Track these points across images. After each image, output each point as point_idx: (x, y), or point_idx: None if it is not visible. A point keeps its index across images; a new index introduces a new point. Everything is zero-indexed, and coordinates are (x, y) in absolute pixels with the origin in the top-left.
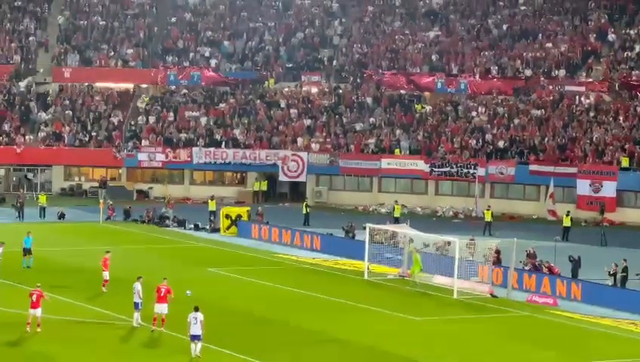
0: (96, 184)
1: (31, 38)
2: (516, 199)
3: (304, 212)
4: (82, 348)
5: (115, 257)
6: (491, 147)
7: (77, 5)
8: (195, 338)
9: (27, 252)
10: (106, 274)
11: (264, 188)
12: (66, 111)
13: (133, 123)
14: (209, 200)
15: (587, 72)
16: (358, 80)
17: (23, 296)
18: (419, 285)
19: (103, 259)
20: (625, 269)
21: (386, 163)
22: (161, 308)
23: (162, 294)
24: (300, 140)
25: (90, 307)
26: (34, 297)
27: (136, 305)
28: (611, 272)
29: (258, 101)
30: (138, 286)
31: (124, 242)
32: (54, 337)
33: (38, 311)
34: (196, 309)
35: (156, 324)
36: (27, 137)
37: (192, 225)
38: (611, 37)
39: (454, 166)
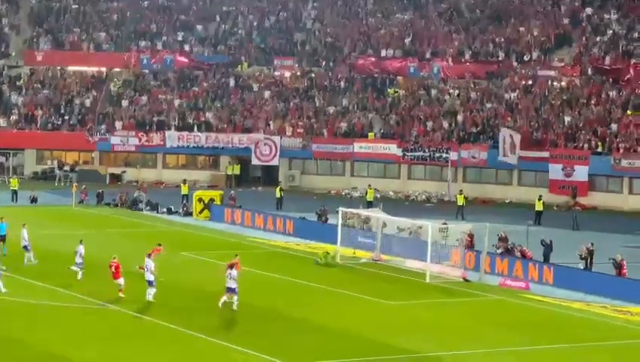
0: (66, 168)
1: (3, 20)
2: (489, 183)
3: (277, 196)
4: (57, 333)
5: (87, 241)
6: (464, 131)
7: None
8: (149, 284)
9: (2, 239)
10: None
11: (237, 172)
12: (38, 95)
13: (105, 106)
14: (182, 184)
15: (568, 51)
16: (331, 63)
17: None
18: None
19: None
20: (591, 253)
21: (358, 147)
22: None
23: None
24: (272, 124)
25: (64, 291)
26: (113, 268)
27: (149, 282)
28: (583, 256)
29: (231, 85)
30: (150, 263)
31: (97, 226)
32: (31, 322)
33: (121, 281)
34: (148, 256)
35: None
36: None
37: (165, 209)
38: (584, 21)
39: (427, 150)
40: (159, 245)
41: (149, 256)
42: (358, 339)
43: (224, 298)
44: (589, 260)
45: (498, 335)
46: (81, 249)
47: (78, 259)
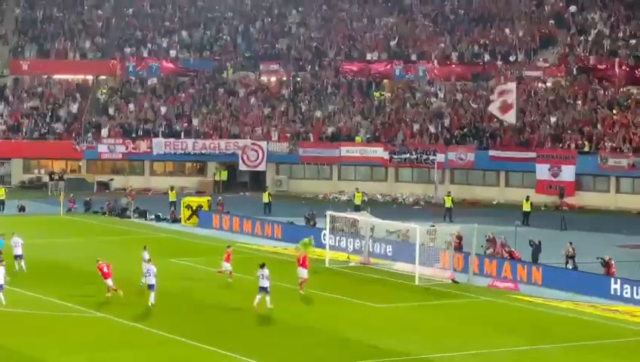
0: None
1: None
2: (476, 185)
3: (266, 201)
4: (46, 341)
5: (77, 249)
6: (450, 133)
7: None
8: (150, 287)
9: None
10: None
11: (224, 177)
12: (25, 104)
13: (92, 114)
14: (169, 191)
15: (552, 51)
16: (317, 68)
17: None
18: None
19: (226, 253)
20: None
21: (345, 151)
22: (302, 273)
23: (301, 261)
24: (259, 129)
25: (53, 300)
26: (105, 268)
27: (151, 286)
28: (569, 255)
29: (217, 91)
30: (152, 268)
31: (86, 234)
32: (19, 330)
33: (110, 281)
34: (149, 260)
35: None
36: None
37: (153, 216)
38: (568, 21)
39: (414, 153)
40: (229, 247)
41: (227, 259)
42: (347, 342)
43: (258, 297)
44: (575, 259)
45: (488, 337)
46: (146, 255)
47: (145, 267)
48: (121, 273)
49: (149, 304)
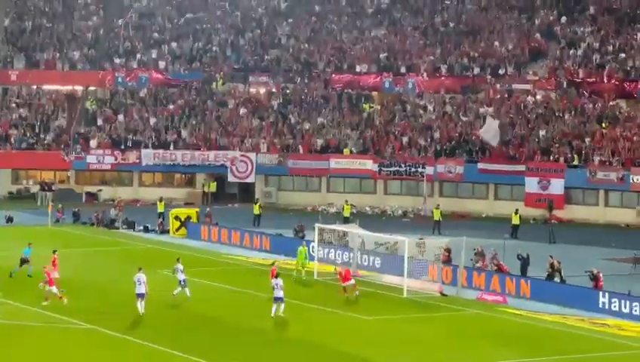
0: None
1: None
2: (465, 198)
3: (256, 213)
4: (33, 352)
5: (64, 260)
6: (439, 146)
7: (22, 7)
8: (140, 296)
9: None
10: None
11: (213, 189)
12: (14, 114)
13: (81, 125)
14: (158, 202)
15: (542, 64)
16: (306, 80)
17: None
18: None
19: (272, 270)
20: (552, 266)
21: (334, 163)
22: (349, 283)
23: (343, 275)
24: (248, 141)
25: (40, 311)
26: (56, 270)
27: (141, 295)
28: (555, 268)
29: (206, 102)
30: (142, 277)
31: (74, 245)
32: (4, 342)
33: (54, 289)
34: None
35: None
36: None
37: (142, 227)
38: (558, 34)
39: (403, 165)
40: (273, 264)
41: (274, 276)
42: (335, 354)
43: (274, 307)
44: (562, 272)
45: (476, 349)
46: (180, 266)
47: (181, 276)
48: (108, 284)
49: (140, 313)
